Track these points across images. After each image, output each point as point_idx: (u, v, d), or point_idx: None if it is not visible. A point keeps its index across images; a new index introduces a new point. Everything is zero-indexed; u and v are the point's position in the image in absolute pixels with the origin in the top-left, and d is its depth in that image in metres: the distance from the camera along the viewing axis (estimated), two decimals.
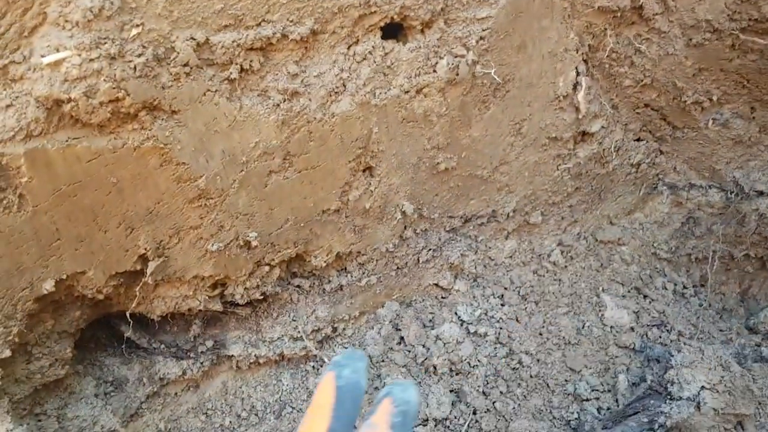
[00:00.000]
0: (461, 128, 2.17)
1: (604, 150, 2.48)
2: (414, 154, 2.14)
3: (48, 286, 1.67)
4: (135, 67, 1.51)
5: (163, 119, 1.63)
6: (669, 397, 2.09)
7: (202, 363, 2.19)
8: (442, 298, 2.52)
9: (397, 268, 2.39)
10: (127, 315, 1.95)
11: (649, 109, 2.46)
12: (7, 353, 1.66)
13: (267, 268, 2.08)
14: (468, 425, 2.16)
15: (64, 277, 1.70)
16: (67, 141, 1.54)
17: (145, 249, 1.79)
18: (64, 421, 1.92)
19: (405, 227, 2.32)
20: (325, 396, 0.70)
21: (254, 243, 1.96)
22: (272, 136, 1.83)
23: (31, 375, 1.82)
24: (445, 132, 2.14)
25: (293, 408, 2.25)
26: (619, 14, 2.16)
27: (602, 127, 2.41)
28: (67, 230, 1.64)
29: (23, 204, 1.55)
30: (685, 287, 2.72)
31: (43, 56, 1.42)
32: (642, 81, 2.33)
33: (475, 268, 2.51)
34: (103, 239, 1.71)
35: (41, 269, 1.65)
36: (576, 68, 2.27)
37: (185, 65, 1.60)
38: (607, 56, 2.27)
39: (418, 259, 2.42)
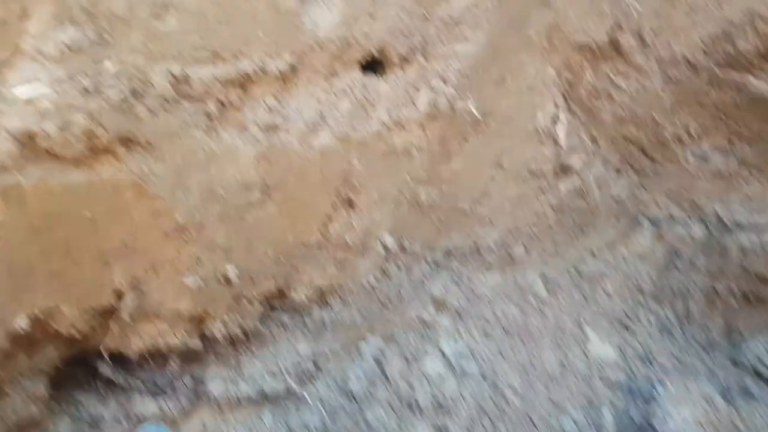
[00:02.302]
0: (442, 162, 2.17)
1: (585, 183, 2.49)
2: (395, 187, 2.14)
3: (21, 322, 1.64)
4: (110, 101, 1.50)
5: (139, 153, 1.62)
6: None
7: (180, 401, 2.15)
8: (426, 332, 2.49)
9: (380, 302, 2.37)
10: (103, 351, 1.91)
11: (629, 143, 2.48)
12: None
13: (246, 303, 2.06)
14: None
15: (38, 313, 1.67)
16: (41, 175, 1.52)
17: (121, 284, 1.77)
18: None
19: (387, 261, 2.30)
20: None
21: (233, 278, 1.94)
22: (251, 170, 1.82)
23: (5, 415, 1.77)
24: (426, 166, 2.14)
25: None
26: (596, 50, 2.19)
27: (582, 161, 2.42)
28: (41, 265, 1.62)
29: None
30: (669, 321, 2.70)
31: (16, 89, 1.42)
32: (621, 115, 2.36)
33: (458, 301, 2.49)
34: (78, 274, 1.69)
35: (14, 305, 1.62)
36: (555, 102, 2.29)
37: (162, 99, 1.60)
38: (586, 91, 2.30)
39: (401, 293, 2.40)
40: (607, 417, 2.22)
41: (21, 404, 1.79)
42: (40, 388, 1.85)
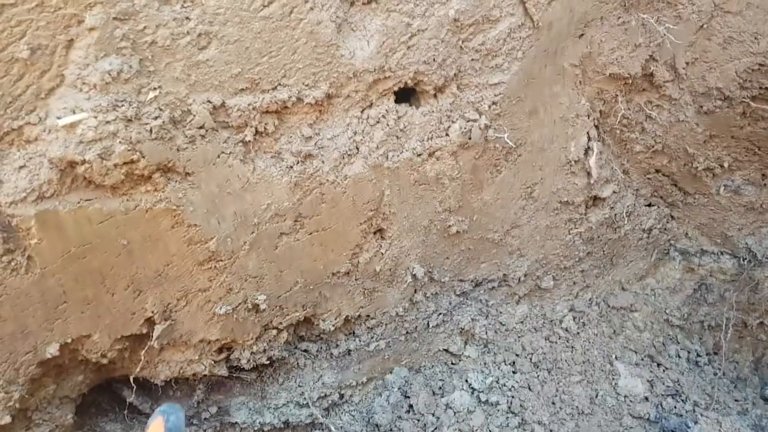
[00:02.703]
0: (473, 191, 2.16)
1: (615, 215, 2.46)
2: (425, 216, 2.12)
3: (52, 350, 1.62)
4: (151, 130, 1.50)
5: (176, 181, 1.61)
6: None
7: (205, 430, 2.12)
8: (453, 364, 2.46)
9: (407, 332, 2.34)
10: (131, 379, 1.89)
11: (660, 175, 2.46)
12: (7, 419, 1.60)
13: (274, 331, 2.03)
14: None
15: (69, 340, 1.65)
16: (78, 202, 1.51)
17: (152, 312, 1.75)
18: None
19: (415, 291, 2.28)
20: None
21: (263, 306, 1.92)
22: (284, 198, 1.81)
23: None
24: (457, 195, 2.13)
25: None
26: (630, 81, 2.18)
27: (614, 192, 2.40)
28: (75, 293, 1.60)
29: (31, 266, 1.51)
30: (698, 355, 2.66)
31: (59, 118, 1.41)
32: (653, 147, 2.34)
33: (486, 333, 2.46)
34: (110, 302, 1.67)
35: (46, 332, 1.61)
36: (587, 133, 2.27)
37: (201, 128, 1.60)
38: (618, 122, 2.28)
39: (428, 324, 2.37)
40: None
41: None
42: (67, 415, 1.82)
